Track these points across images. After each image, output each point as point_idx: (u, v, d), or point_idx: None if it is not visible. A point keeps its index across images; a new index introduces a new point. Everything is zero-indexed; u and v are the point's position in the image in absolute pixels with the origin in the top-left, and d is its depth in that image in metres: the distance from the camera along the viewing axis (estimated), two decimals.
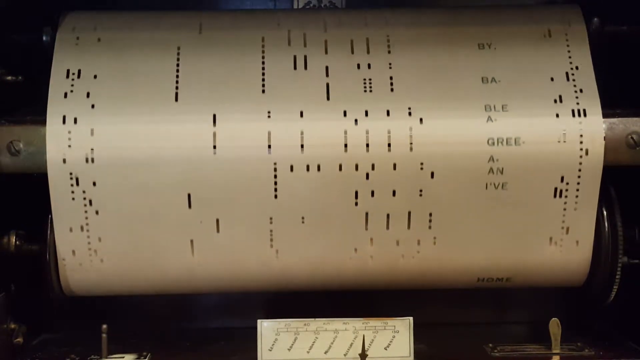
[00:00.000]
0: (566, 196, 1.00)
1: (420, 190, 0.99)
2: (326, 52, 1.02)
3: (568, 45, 1.03)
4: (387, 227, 1.00)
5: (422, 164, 0.98)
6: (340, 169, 0.98)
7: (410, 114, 0.99)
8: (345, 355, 0.98)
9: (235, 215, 1.00)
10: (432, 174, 0.98)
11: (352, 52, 1.02)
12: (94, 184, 0.98)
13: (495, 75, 1.01)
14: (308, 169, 0.98)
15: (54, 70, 1.01)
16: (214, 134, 0.98)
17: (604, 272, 1.03)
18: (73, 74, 1.00)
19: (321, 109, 0.99)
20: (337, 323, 0.99)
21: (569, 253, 1.02)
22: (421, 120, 0.99)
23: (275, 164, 0.98)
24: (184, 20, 1.06)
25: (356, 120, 0.99)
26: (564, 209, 1.00)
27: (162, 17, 1.07)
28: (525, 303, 1.20)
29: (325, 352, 0.98)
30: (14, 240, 1.03)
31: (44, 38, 1.04)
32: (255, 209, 0.99)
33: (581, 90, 1.00)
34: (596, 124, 0.99)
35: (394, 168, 0.98)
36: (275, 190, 0.99)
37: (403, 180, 0.99)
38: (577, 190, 1.00)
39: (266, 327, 0.98)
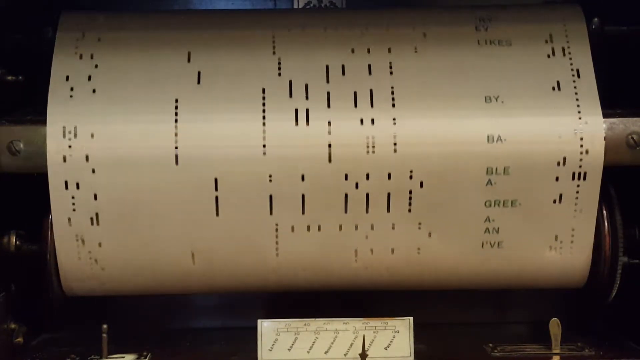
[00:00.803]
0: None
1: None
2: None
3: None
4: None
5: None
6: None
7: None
8: (345, 355, 0.98)
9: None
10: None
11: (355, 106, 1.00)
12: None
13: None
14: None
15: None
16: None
17: (604, 272, 1.03)
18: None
19: None
20: (337, 323, 0.99)
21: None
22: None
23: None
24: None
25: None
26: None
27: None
28: (526, 303, 1.20)
29: (326, 352, 0.98)
30: (14, 240, 1.03)
31: (44, 38, 1.04)
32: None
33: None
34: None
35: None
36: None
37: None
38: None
39: (266, 327, 0.98)
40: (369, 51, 1.02)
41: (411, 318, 0.99)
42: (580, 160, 0.99)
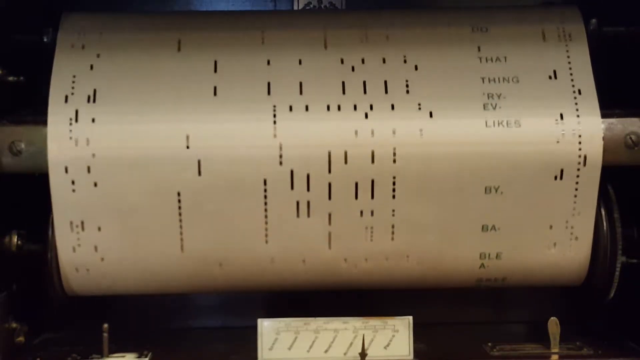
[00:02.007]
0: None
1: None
2: None
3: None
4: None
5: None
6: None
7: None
8: (345, 354, 0.98)
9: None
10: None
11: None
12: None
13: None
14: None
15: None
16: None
17: (603, 272, 1.03)
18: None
19: None
20: (337, 322, 0.99)
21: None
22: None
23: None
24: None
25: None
26: None
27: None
28: (525, 302, 1.21)
29: (325, 352, 0.98)
30: (15, 240, 1.03)
31: (45, 38, 1.04)
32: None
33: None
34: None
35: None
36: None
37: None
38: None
39: (266, 327, 0.98)
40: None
41: (411, 317, 0.99)
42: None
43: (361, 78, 1.00)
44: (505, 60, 1.02)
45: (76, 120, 0.98)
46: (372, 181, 0.99)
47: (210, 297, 1.21)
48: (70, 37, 1.03)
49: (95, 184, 0.98)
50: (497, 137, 0.99)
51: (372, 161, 0.98)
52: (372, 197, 0.99)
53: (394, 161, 0.98)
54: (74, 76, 1.00)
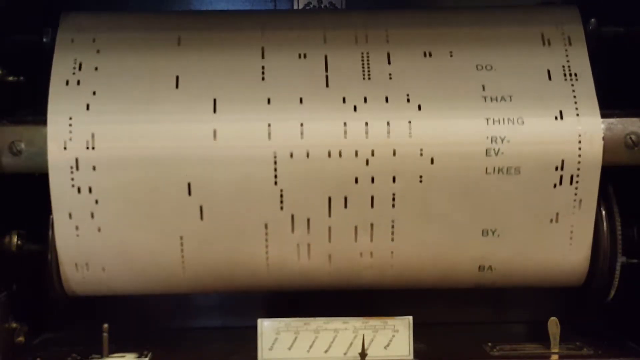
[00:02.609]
0: None
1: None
2: None
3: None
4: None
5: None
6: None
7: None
8: (345, 354, 0.98)
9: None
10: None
11: None
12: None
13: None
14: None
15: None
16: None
17: (602, 272, 1.03)
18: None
19: None
20: (337, 322, 0.99)
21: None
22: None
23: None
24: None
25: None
26: None
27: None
28: (525, 302, 1.21)
29: (325, 352, 0.98)
30: (15, 240, 1.03)
31: (44, 38, 1.04)
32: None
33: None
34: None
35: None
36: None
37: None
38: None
39: (266, 327, 0.98)
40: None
41: (411, 317, 0.99)
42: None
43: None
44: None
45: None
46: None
47: (210, 297, 1.21)
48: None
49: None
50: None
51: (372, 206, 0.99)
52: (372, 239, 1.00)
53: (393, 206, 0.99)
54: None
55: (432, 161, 0.98)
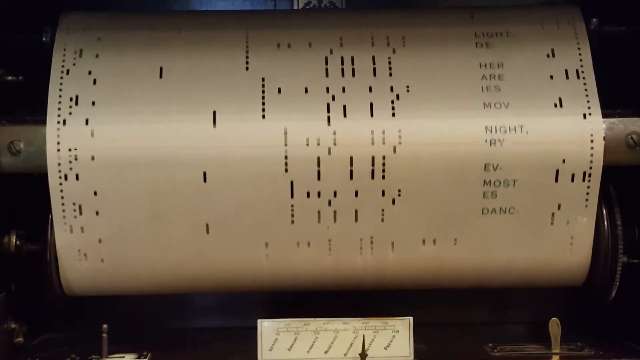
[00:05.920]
0: None
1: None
2: None
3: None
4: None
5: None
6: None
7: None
8: (345, 355, 0.98)
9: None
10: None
11: None
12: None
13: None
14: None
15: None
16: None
17: (603, 272, 1.03)
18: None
19: None
20: (337, 323, 0.99)
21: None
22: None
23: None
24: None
25: None
26: None
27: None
28: (525, 303, 1.20)
29: (326, 352, 0.98)
30: (14, 240, 1.03)
31: (44, 38, 1.04)
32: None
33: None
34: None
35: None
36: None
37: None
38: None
39: (266, 327, 0.98)
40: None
41: (411, 318, 0.99)
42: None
43: None
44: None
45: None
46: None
47: (210, 297, 1.21)
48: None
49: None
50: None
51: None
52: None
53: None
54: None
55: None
